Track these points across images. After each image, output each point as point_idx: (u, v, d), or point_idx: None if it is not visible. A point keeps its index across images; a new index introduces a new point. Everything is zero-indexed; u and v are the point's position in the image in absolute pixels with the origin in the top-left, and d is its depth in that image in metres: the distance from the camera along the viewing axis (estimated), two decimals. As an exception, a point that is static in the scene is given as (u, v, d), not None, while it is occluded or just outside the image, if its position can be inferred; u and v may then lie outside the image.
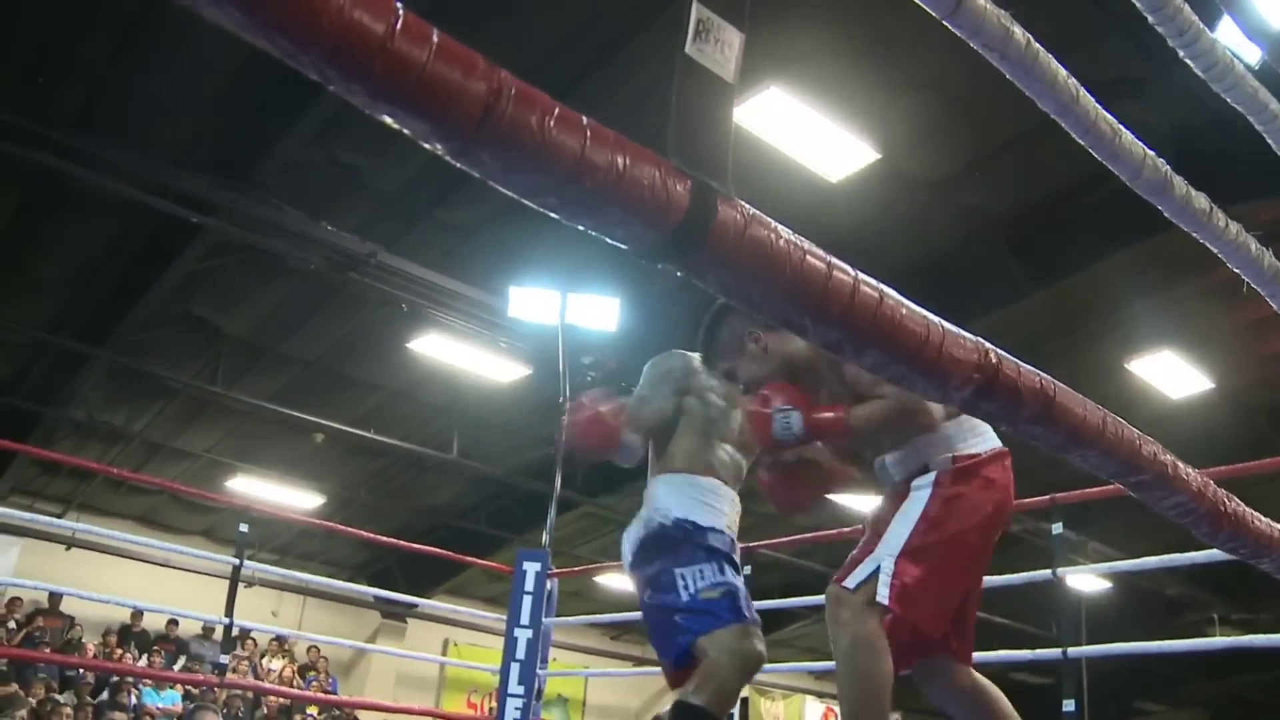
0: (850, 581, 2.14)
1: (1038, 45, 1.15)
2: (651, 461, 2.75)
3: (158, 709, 9.93)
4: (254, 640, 11.23)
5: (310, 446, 10.61)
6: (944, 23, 1.09)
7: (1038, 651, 4.13)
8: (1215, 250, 1.51)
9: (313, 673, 11.85)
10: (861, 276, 0.93)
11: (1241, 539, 1.44)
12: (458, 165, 0.76)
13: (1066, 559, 4.35)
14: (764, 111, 5.87)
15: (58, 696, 9.19)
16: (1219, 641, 4.44)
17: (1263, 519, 1.49)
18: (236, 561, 5.29)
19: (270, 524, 10.56)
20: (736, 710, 3.47)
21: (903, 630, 2.12)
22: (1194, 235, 1.47)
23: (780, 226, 0.88)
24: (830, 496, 2.58)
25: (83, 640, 10.52)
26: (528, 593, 5.10)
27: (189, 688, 9.97)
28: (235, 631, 6.43)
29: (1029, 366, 1.09)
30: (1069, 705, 3.79)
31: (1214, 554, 2.92)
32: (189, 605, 7.67)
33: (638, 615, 2.66)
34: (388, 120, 0.72)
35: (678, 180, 0.82)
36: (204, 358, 9.08)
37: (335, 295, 8.12)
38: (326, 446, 10.60)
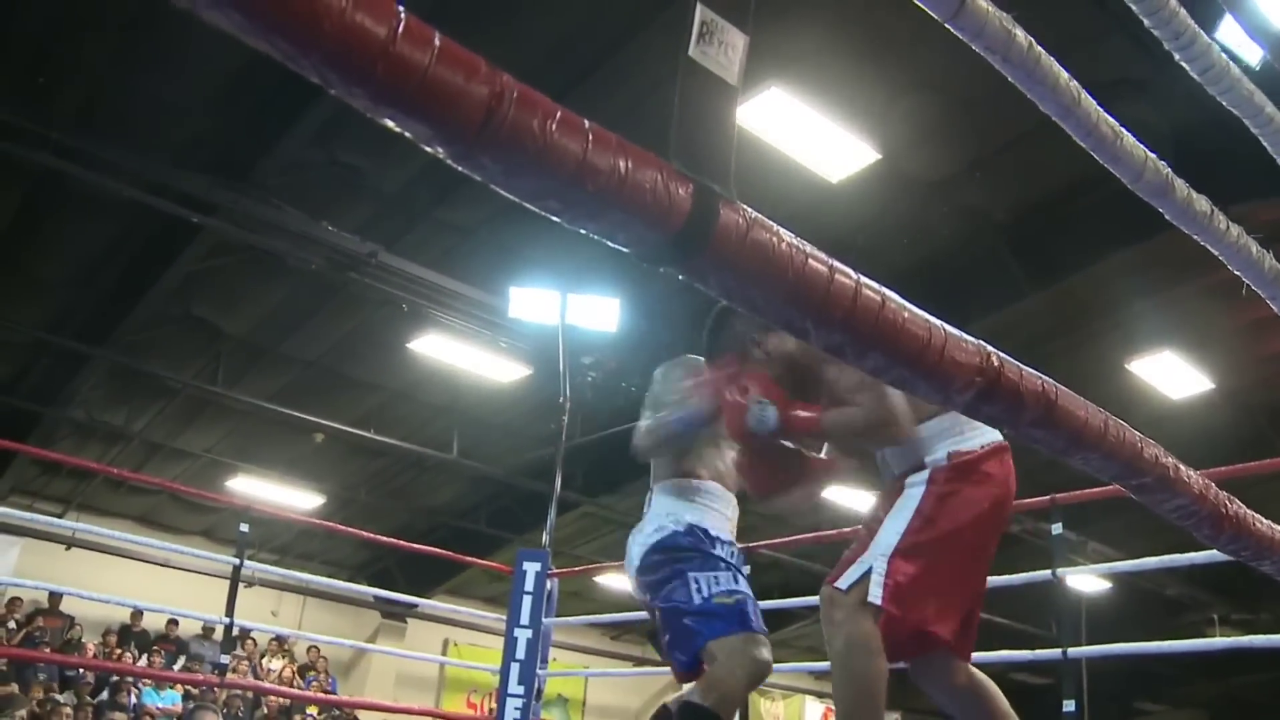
0: (843, 582, 2.14)
1: (1039, 48, 1.15)
2: (659, 464, 2.74)
3: (158, 709, 9.94)
4: (254, 640, 11.23)
5: (310, 446, 10.61)
6: (946, 25, 1.09)
7: (1037, 652, 4.13)
8: (1216, 253, 1.51)
9: (312, 673, 11.86)
10: (864, 280, 0.93)
11: (1243, 541, 1.44)
12: (459, 169, 0.76)
13: (1066, 559, 4.35)
14: (764, 112, 5.87)
15: (58, 697, 9.20)
16: (1219, 642, 4.44)
17: (1264, 521, 1.49)
18: (236, 561, 5.29)
19: (270, 524, 10.57)
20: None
21: (901, 628, 2.12)
22: (1195, 237, 1.48)
23: (782, 230, 0.88)
24: (816, 487, 2.58)
25: (82, 640, 10.52)
26: (528, 593, 5.10)
27: (189, 688, 9.97)
28: (235, 631, 6.43)
29: (1031, 370, 1.09)
30: (1069, 705, 3.78)
31: (1214, 554, 2.92)
32: (189, 605, 7.67)
33: (638, 615, 2.67)
34: (389, 124, 0.72)
35: (680, 184, 0.81)
36: (204, 358, 9.08)
37: (335, 295, 8.13)
38: (327, 446, 10.60)
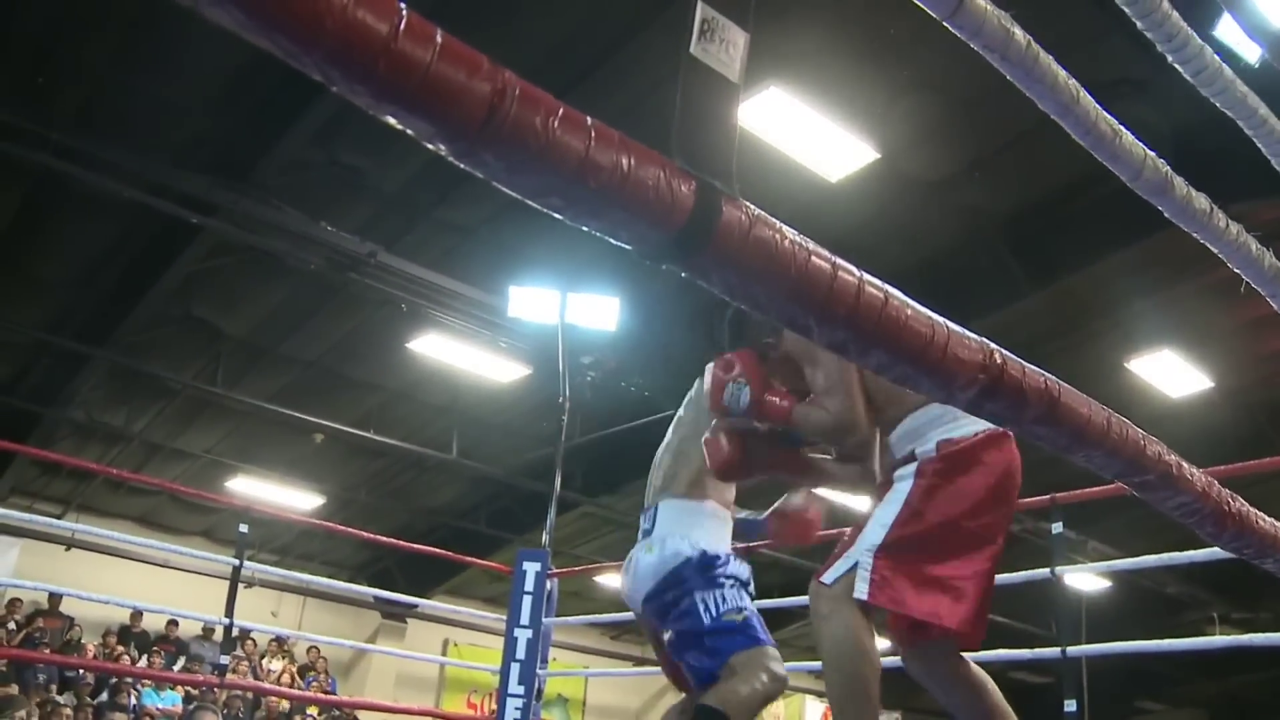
0: (828, 577, 2.14)
1: (1038, 46, 1.15)
2: (668, 479, 2.73)
3: (158, 709, 9.93)
4: (254, 641, 11.23)
5: (310, 447, 10.61)
6: (944, 24, 1.09)
7: (1037, 651, 4.13)
8: (1216, 250, 1.51)
9: (312, 673, 11.86)
10: (866, 277, 0.93)
11: (1246, 539, 1.44)
12: (461, 166, 0.76)
13: (1066, 558, 4.35)
14: (764, 111, 5.87)
15: (57, 698, 9.19)
16: (1219, 641, 4.44)
17: (1266, 519, 1.50)
18: (236, 562, 5.28)
19: (270, 524, 10.57)
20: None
21: (898, 620, 2.11)
22: (1194, 235, 1.48)
23: (785, 227, 0.88)
24: (800, 481, 2.62)
25: (82, 641, 10.52)
26: (528, 593, 5.10)
27: (189, 688, 9.97)
28: (235, 632, 6.43)
29: (1033, 367, 1.09)
30: (1070, 705, 3.78)
31: (1214, 553, 2.92)
32: (189, 606, 7.67)
33: (680, 624, 2.65)
34: (391, 121, 0.72)
35: (682, 181, 0.81)
36: (204, 358, 9.08)
37: (335, 296, 8.13)
38: (326, 447, 10.60)
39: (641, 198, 0.79)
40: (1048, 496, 3.99)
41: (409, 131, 0.73)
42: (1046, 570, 4.02)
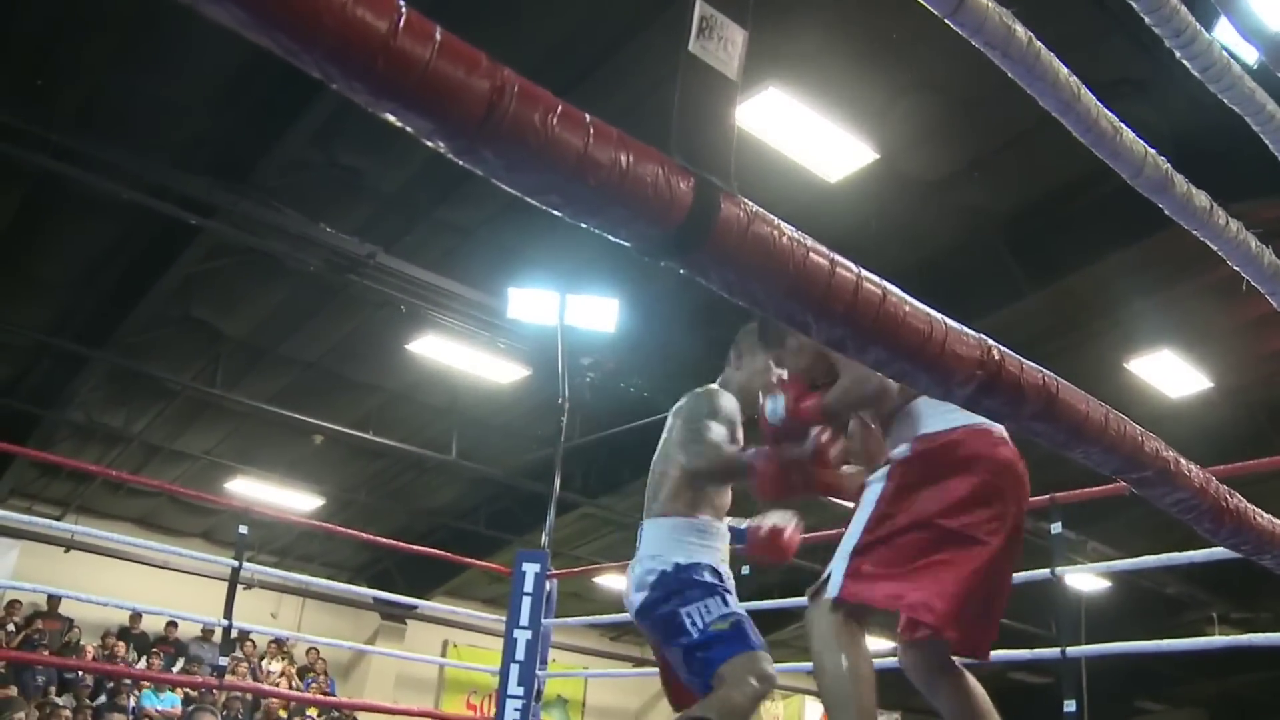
0: (814, 587, 2.15)
1: (1039, 43, 1.15)
2: (653, 502, 2.75)
3: (157, 711, 9.93)
4: (253, 642, 11.22)
5: (310, 448, 10.61)
6: (945, 21, 1.09)
7: (1037, 651, 4.12)
8: (1215, 248, 1.51)
9: (311, 674, 11.85)
10: (864, 274, 0.93)
11: (1243, 535, 1.44)
12: (459, 164, 0.76)
13: (1066, 558, 4.35)
14: (763, 112, 5.87)
15: (56, 699, 9.19)
16: (1218, 641, 4.44)
17: (1264, 515, 1.50)
18: (236, 563, 5.28)
19: (270, 526, 10.57)
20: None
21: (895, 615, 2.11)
22: (1194, 233, 1.48)
23: (783, 224, 0.88)
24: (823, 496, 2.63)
25: (81, 642, 10.51)
26: (527, 594, 5.10)
27: (188, 690, 9.97)
28: (234, 633, 6.43)
29: (1031, 363, 1.09)
30: (1069, 705, 3.79)
31: (1213, 553, 2.92)
32: (188, 607, 7.66)
33: (674, 640, 2.67)
34: (390, 118, 0.72)
35: (681, 178, 0.81)
36: (203, 359, 9.08)
37: (335, 297, 8.13)
38: (326, 448, 10.60)
39: (640, 195, 0.79)
40: (1047, 496, 3.99)
41: (408, 129, 0.73)
42: (1046, 570, 4.02)
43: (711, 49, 0.90)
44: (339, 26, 0.65)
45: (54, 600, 10.45)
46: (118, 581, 10.51)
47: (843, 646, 2.02)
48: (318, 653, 12.13)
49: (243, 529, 5.47)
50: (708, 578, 2.58)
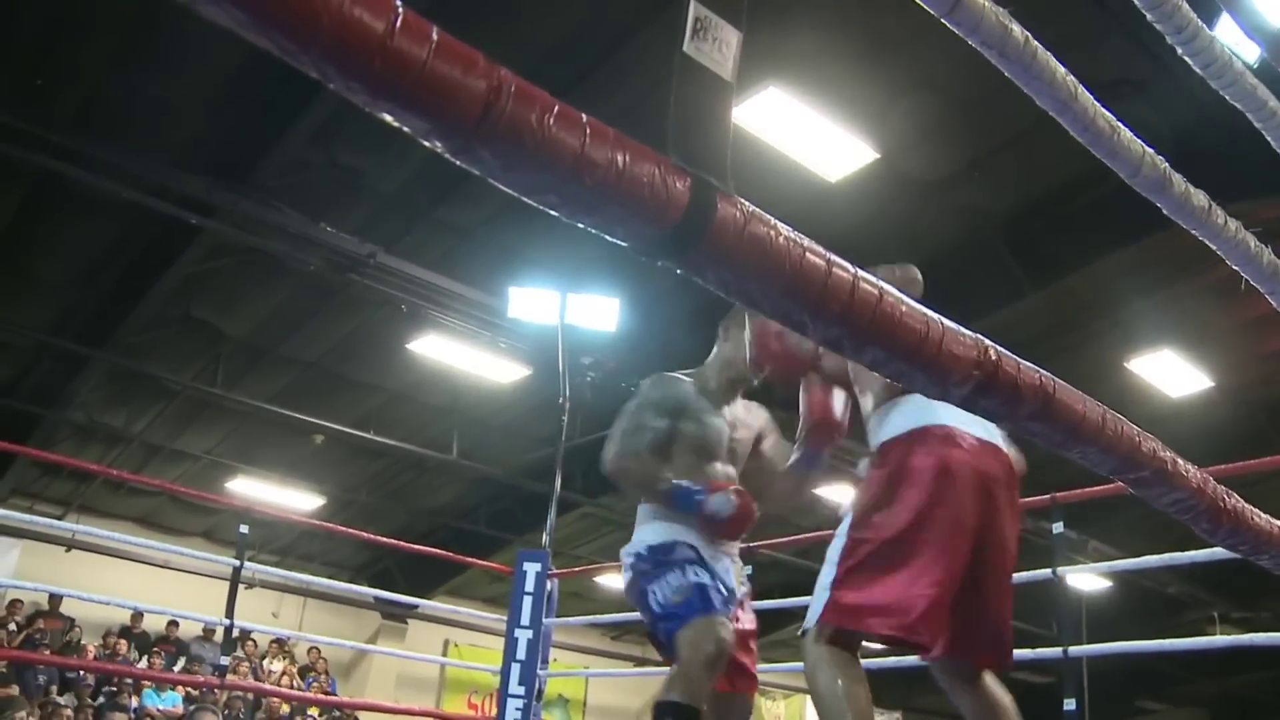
0: (802, 626, 2.16)
1: (1036, 43, 1.16)
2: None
3: (158, 710, 9.93)
4: (254, 642, 11.23)
5: (310, 448, 10.61)
6: (942, 21, 1.09)
7: (1038, 651, 4.12)
8: (1214, 247, 1.51)
9: (312, 674, 11.85)
10: (861, 274, 0.93)
11: (1241, 535, 1.44)
12: (457, 163, 0.76)
13: (1067, 558, 4.35)
14: (763, 111, 5.87)
15: (58, 699, 9.19)
16: (1219, 640, 4.44)
17: (1262, 515, 1.50)
18: (237, 563, 5.29)
19: (271, 525, 10.57)
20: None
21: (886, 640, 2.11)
22: (1193, 232, 1.48)
23: (780, 224, 0.88)
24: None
25: (82, 642, 10.52)
26: (528, 593, 5.10)
27: (189, 689, 9.97)
28: (236, 633, 6.43)
29: (1028, 363, 1.09)
30: (1070, 704, 3.79)
31: (1214, 553, 2.91)
32: (189, 607, 7.67)
33: (638, 615, 2.72)
34: (388, 118, 0.72)
35: (677, 177, 0.82)
36: (204, 359, 9.08)
37: (335, 297, 8.13)
38: (327, 448, 10.61)
39: (637, 194, 0.79)
40: (1048, 496, 3.99)
41: (405, 129, 0.73)
42: (1048, 570, 4.02)
43: (706, 50, 0.90)
44: (336, 27, 0.66)
45: (55, 599, 10.46)
46: (119, 581, 10.51)
47: (834, 664, 2.02)
48: (319, 652, 12.14)
49: (244, 528, 5.48)
50: (676, 554, 2.62)
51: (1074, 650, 3.90)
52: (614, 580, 12.05)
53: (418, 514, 12.15)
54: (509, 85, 0.72)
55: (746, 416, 2.88)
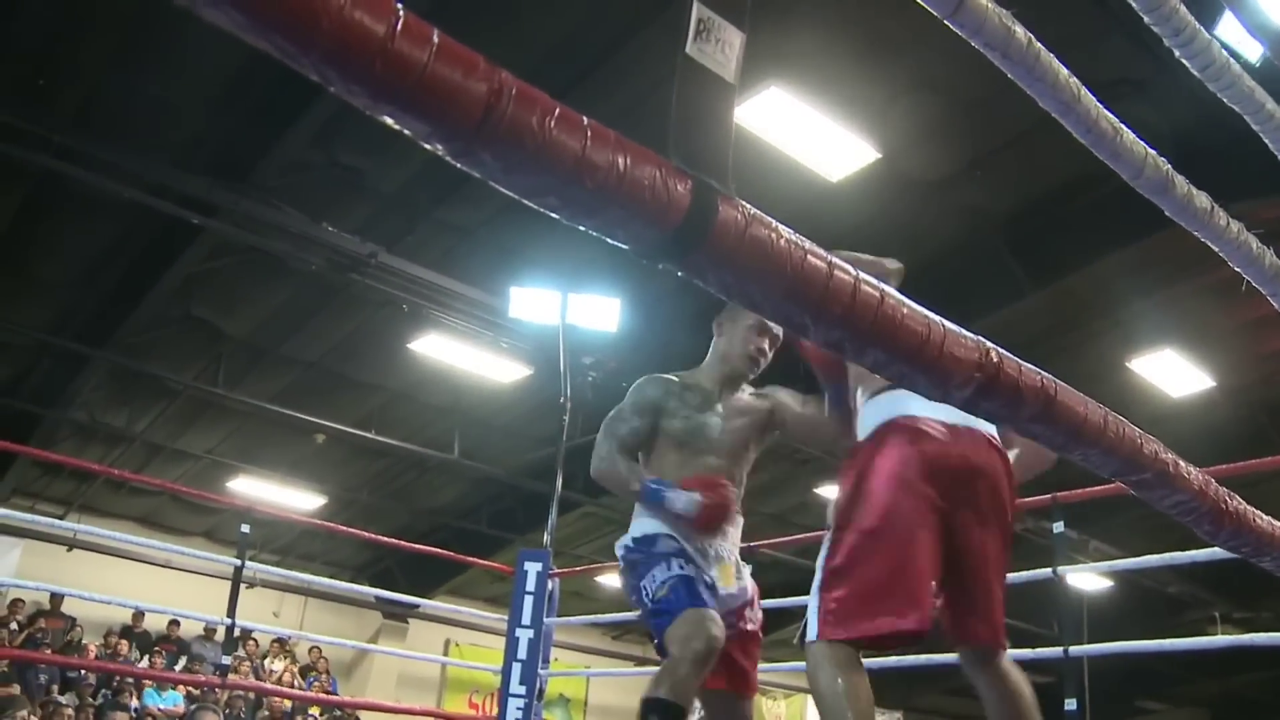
0: (799, 632, 2.16)
1: (1039, 44, 1.15)
2: None
3: (159, 710, 9.93)
4: (256, 641, 11.23)
5: (312, 447, 10.61)
6: (945, 22, 1.09)
7: (1039, 650, 4.12)
8: (1216, 249, 1.51)
9: (313, 673, 11.86)
10: (862, 276, 0.93)
11: (1243, 537, 1.44)
12: (458, 166, 0.76)
13: (1067, 558, 4.35)
14: (764, 111, 5.87)
15: (59, 698, 9.19)
16: (1220, 640, 4.44)
17: (1264, 517, 1.49)
18: (238, 562, 5.29)
19: (272, 525, 10.57)
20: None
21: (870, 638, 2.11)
22: (1195, 234, 1.47)
23: (781, 226, 0.88)
24: None
25: (84, 641, 10.53)
26: (529, 593, 5.10)
27: (191, 689, 9.97)
28: (237, 632, 6.43)
29: (1030, 365, 1.09)
30: (1071, 704, 3.79)
31: (1215, 552, 2.91)
32: (190, 606, 7.68)
33: (638, 615, 2.71)
34: (388, 121, 0.72)
35: (678, 180, 0.82)
36: (205, 359, 9.09)
37: (336, 296, 8.13)
38: (328, 447, 10.61)
39: (638, 197, 0.79)
40: (1049, 496, 3.99)
41: (406, 132, 0.73)
42: (1048, 570, 4.02)
43: (709, 51, 0.90)
44: (337, 29, 0.65)
45: (57, 599, 10.47)
46: (120, 580, 10.52)
47: (835, 665, 2.03)
48: (320, 652, 12.14)
49: (245, 528, 5.48)
50: (660, 546, 2.63)
51: (1075, 650, 3.91)
52: (615, 580, 12.03)
53: (419, 513, 12.15)
54: (510, 88, 0.72)
55: (751, 404, 2.88)
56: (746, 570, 2.81)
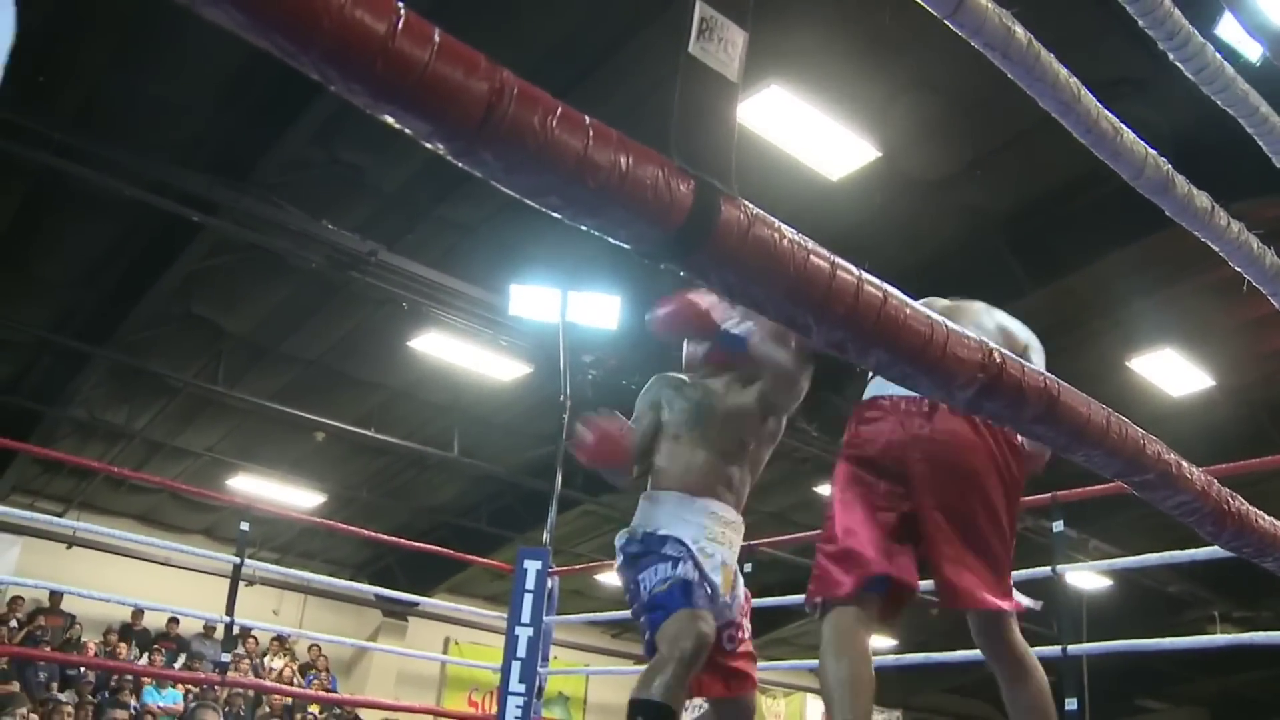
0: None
1: (1039, 44, 1.15)
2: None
3: (159, 708, 9.94)
4: (255, 639, 11.23)
5: (311, 445, 10.61)
6: (945, 22, 1.09)
7: (1039, 649, 4.08)
8: (1217, 249, 1.51)
9: (313, 671, 11.86)
10: (865, 276, 0.93)
11: (1245, 538, 1.44)
12: (459, 165, 0.76)
13: (1067, 556, 4.35)
14: (765, 109, 5.87)
15: (59, 695, 9.19)
16: (1220, 639, 4.44)
17: (1266, 517, 1.49)
18: (237, 560, 5.29)
19: (271, 523, 10.57)
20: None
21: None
22: (1195, 234, 1.48)
23: (784, 226, 0.88)
24: None
25: (83, 639, 10.53)
26: (529, 591, 5.10)
27: (190, 686, 9.98)
28: (236, 630, 6.44)
29: (1032, 366, 1.09)
30: (1071, 703, 3.79)
31: (1215, 551, 2.91)
32: (190, 604, 7.66)
33: (631, 610, 2.71)
34: (389, 120, 0.72)
35: (681, 180, 0.81)
36: (205, 356, 9.08)
37: (336, 294, 8.13)
38: (328, 445, 10.60)
39: (640, 197, 0.79)
40: (1048, 495, 3.99)
41: (407, 131, 0.73)
42: (1048, 568, 4.02)
43: (712, 50, 0.90)
44: (337, 28, 0.65)
45: (56, 596, 10.46)
46: (119, 578, 10.51)
47: (840, 650, 2.04)
48: (319, 649, 12.14)
49: (244, 526, 5.48)
50: (668, 549, 2.62)
51: (1074, 649, 3.90)
52: (614, 578, 12.02)
53: (419, 511, 12.15)
54: (511, 87, 0.72)
55: (739, 382, 2.87)
56: (740, 581, 2.81)
